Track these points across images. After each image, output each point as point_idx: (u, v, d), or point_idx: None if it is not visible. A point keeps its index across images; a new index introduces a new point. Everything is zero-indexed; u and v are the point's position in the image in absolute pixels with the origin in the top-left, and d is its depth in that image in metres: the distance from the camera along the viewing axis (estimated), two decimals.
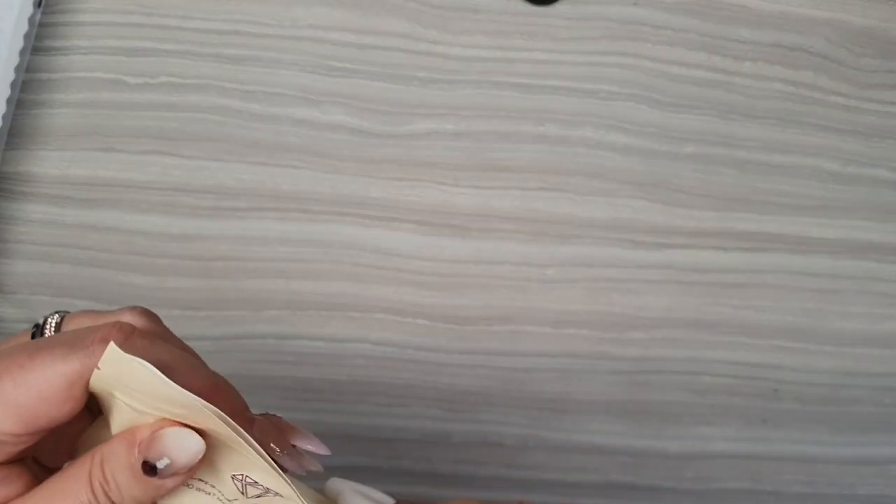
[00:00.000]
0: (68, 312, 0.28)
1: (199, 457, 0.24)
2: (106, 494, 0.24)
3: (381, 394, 0.49)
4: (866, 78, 0.51)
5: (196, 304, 0.47)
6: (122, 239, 0.46)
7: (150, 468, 0.24)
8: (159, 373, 0.23)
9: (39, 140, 0.45)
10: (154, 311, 0.49)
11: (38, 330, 0.27)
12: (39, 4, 0.43)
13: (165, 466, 0.24)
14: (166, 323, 0.50)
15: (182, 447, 0.24)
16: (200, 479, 0.26)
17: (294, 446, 0.28)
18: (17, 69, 0.42)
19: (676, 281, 0.51)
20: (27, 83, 0.44)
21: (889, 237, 0.53)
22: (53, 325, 0.28)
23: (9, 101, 0.42)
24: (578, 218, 0.50)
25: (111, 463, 0.24)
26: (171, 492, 0.25)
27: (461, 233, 0.49)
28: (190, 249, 0.47)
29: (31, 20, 0.42)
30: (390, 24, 0.47)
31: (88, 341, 0.23)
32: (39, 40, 0.44)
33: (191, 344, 0.35)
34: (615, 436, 0.52)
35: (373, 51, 0.47)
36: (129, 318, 0.27)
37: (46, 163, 0.45)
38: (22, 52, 0.42)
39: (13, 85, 0.42)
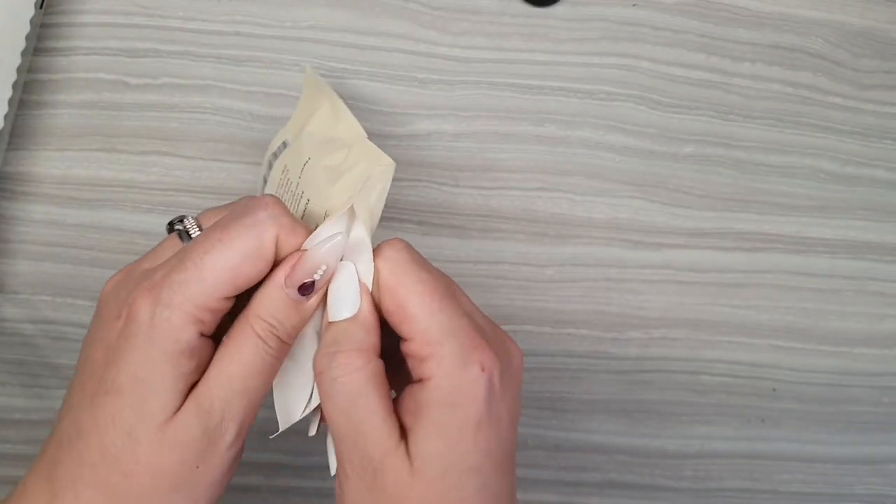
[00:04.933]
0: (188, 217, 0.31)
1: (343, 245, 0.28)
2: (274, 335, 0.27)
3: None
4: (865, 79, 0.52)
5: None
6: (124, 239, 0.46)
7: (306, 288, 0.27)
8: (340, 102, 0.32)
9: (41, 141, 0.45)
10: None
11: (182, 233, 0.30)
12: (41, 5, 0.43)
13: (323, 274, 0.27)
14: None
15: (328, 247, 0.28)
16: None
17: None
18: (19, 70, 0.42)
19: (675, 281, 0.51)
20: (29, 84, 0.45)
21: (887, 237, 0.53)
22: (195, 224, 0.30)
23: (10, 101, 0.42)
24: (578, 218, 0.50)
25: (267, 307, 0.27)
26: (314, 312, 0.28)
27: (461, 233, 0.49)
28: None
29: (32, 21, 0.42)
30: (390, 25, 0.47)
31: (262, 212, 0.27)
32: (41, 41, 0.44)
33: None
34: (614, 435, 0.52)
35: (373, 52, 0.47)
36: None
37: (48, 163, 0.45)
38: (24, 53, 0.42)
39: (15, 86, 0.42)
